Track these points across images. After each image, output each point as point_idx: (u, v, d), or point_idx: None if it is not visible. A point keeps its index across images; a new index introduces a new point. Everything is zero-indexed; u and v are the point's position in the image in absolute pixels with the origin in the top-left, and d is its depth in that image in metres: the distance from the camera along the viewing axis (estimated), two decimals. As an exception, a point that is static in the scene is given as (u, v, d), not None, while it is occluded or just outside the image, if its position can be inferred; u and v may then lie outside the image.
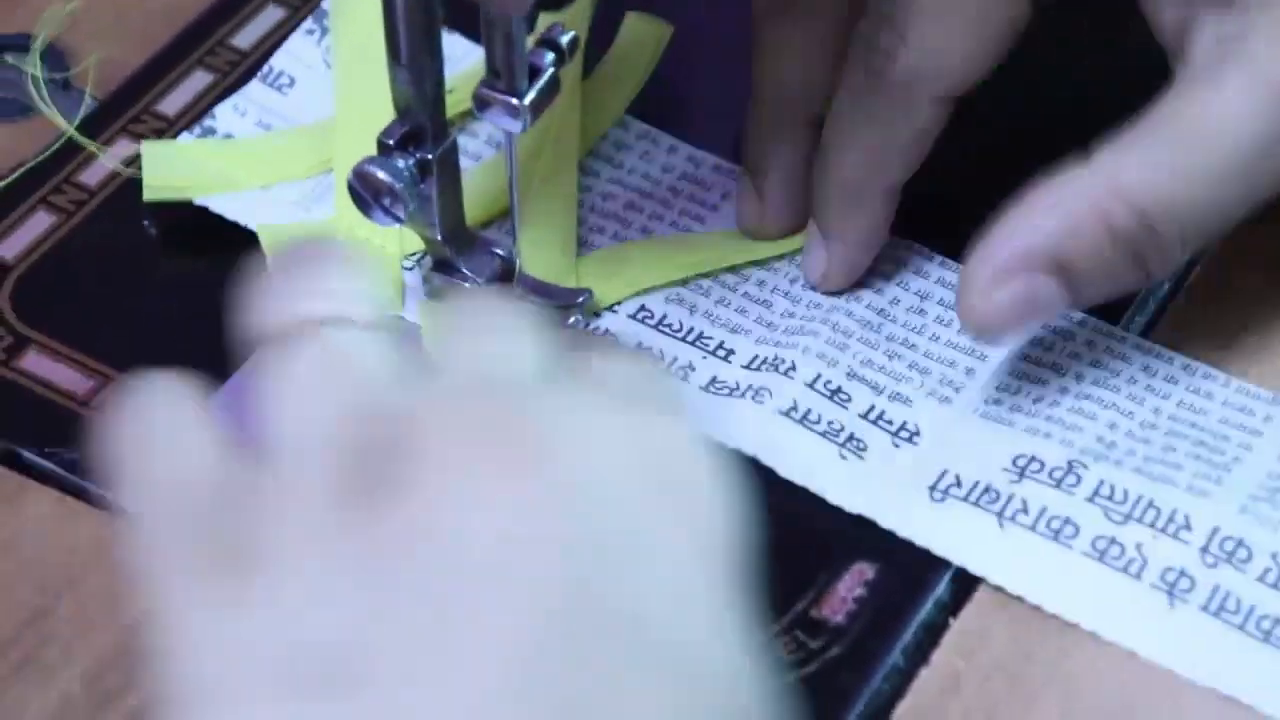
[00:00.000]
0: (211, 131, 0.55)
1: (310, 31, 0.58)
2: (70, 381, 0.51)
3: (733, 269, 0.53)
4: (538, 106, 0.48)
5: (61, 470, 0.49)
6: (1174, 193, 0.47)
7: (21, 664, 0.46)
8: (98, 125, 0.56)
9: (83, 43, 0.58)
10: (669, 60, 0.57)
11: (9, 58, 0.58)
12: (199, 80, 0.58)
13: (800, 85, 0.51)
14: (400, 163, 0.49)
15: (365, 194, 0.49)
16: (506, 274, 0.52)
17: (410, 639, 0.32)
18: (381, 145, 0.49)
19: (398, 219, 0.50)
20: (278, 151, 0.55)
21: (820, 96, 0.51)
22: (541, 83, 0.48)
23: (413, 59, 0.48)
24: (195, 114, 0.56)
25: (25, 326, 0.52)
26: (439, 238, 0.51)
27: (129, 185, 0.55)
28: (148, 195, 0.54)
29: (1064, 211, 0.47)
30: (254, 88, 0.56)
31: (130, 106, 0.57)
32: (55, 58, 0.58)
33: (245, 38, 0.58)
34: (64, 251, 0.53)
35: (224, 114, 0.56)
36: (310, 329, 0.36)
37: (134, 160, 0.55)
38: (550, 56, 0.49)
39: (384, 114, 0.52)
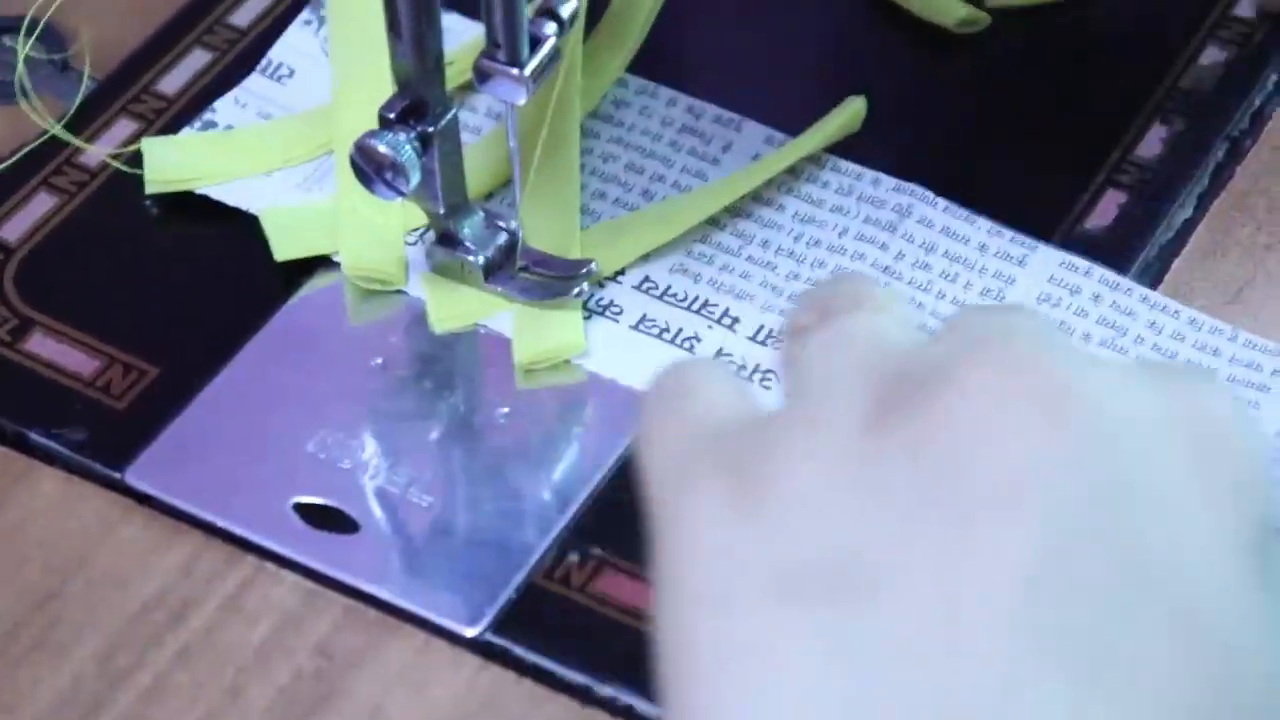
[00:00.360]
0: (212, 125, 0.55)
1: (308, 22, 0.57)
2: (75, 362, 0.51)
3: (736, 232, 0.52)
4: (539, 77, 0.48)
5: (69, 451, 0.49)
6: None
7: (33, 645, 0.46)
8: (97, 106, 0.56)
9: (79, 22, 0.58)
10: (663, 14, 0.56)
11: (6, 39, 0.58)
12: (198, 59, 0.57)
13: None
14: (402, 136, 0.49)
15: (367, 168, 0.49)
16: (510, 246, 0.52)
17: (915, 553, 0.32)
18: (383, 119, 0.49)
19: (400, 193, 0.49)
20: (278, 138, 0.55)
21: None
22: (543, 53, 0.48)
23: (413, 31, 0.48)
24: (194, 94, 0.56)
25: (29, 308, 0.52)
26: (441, 211, 0.51)
27: (129, 164, 0.54)
28: (150, 189, 0.53)
29: None
30: (254, 80, 0.56)
31: (129, 87, 0.57)
32: (52, 38, 0.58)
33: (243, 16, 0.58)
34: (66, 233, 0.53)
35: (224, 107, 0.56)
36: (846, 314, 0.37)
37: (122, 153, 0.54)
38: (551, 26, 0.48)
39: (383, 94, 0.52)
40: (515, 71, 0.48)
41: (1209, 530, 0.33)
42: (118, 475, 0.49)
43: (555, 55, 0.48)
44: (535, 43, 0.48)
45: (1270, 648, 0.33)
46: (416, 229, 0.53)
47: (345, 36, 0.56)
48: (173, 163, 0.54)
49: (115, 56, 0.57)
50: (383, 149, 0.49)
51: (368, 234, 0.52)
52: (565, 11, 0.49)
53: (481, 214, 0.52)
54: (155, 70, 0.57)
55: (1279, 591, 0.34)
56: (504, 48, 0.48)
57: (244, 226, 0.53)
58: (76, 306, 0.52)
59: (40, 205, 0.54)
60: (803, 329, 0.37)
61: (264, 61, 0.56)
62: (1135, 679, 0.31)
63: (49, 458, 0.49)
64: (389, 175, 0.49)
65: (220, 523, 0.48)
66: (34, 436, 0.49)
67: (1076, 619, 0.32)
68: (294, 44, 0.57)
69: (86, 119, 0.56)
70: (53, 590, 0.47)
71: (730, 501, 0.34)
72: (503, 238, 0.52)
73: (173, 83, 0.57)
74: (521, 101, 0.48)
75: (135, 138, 0.55)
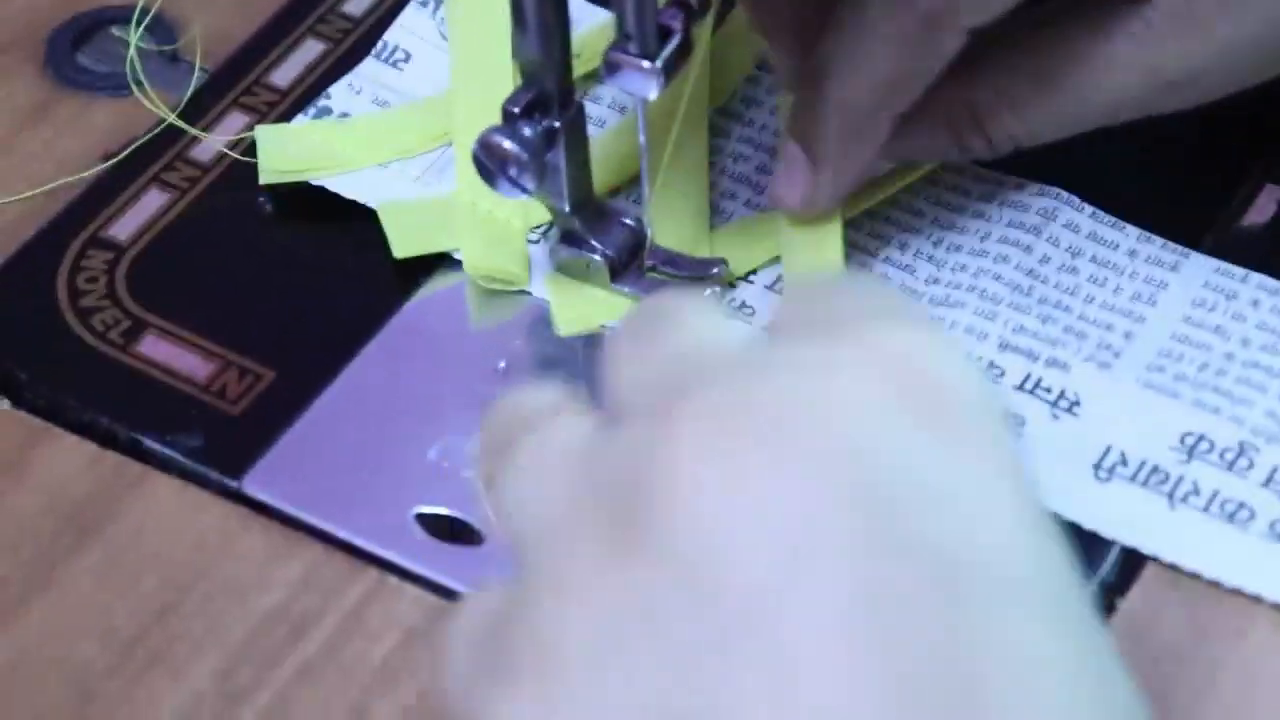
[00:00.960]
0: (327, 111, 0.53)
1: (424, 4, 0.56)
2: (189, 366, 0.49)
3: (874, 234, 0.50)
4: (670, 69, 0.46)
5: (184, 458, 0.47)
6: None
7: (151, 661, 0.44)
8: (208, 98, 0.54)
9: (191, 12, 0.56)
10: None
11: (115, 30, 0.56)
12: (310, 50, 0.56)
13: (904, 97, 0.47)
14: (527, 131, 0.47)
15: (490, 165, 0.47)
16: (636, 245, 0.50)
17: (735, 680, 0.30)
18: (506, 114, 0.47)
19: (525, 190, 0.48)
20: (394, 128, 0.53)
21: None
22: (673, 44, 0.46)
23: (539, 22, 0.46)
24: (307, 85, 0.55)
25: (142, 309, 0.50)
26: (567, 208, 0.49)
27: (242, 160, 0.53)
28: (264, 179, 0.52)
29: None
30: (368, 65, 0.54)
31: (241, 79, 0.55)
32: (163, 29, 0.56)
33: (356, 4, 0.57)
34: (178, 231, 0.52)
35: (339, 93, 0.54)
36: (522, 435, 0.36)
37: (237, 144, 0.53)
38: (681, 16, 0.46)
39: (503, 83, 0.50)
40: (646, 64, 0.46)
41: (977, 488, 0.32)
42: (234, 483, 0.47)
43: (687, 47, 0.46)
44: (666, 33, 0.46)
45: (1073, 574, 0.32)
46: (538, 226, 0.51)
47: (463, 20, 0.54)
48: (287, 152, 0.52)
49: (226, 47, 0.56)
50: (507, 145, 0.47)
51: (489, 231, 0.51)
52: (696, 1, 0.47)
53: (608, 211, 0.50)
54: (267, 62, 0.55)
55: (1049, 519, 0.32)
56: (635, 39, 0.46)
57: (361, 222, 0.51)
58: (190, 307, 0.50)
59: (152, 202, 0.52)
60: (492, 473, 0.36)
61: (379, 45, 0.55)
62: (988, 661, 0.30)
63: (164, 464, 0.48)
64: (513, 172, 0.47)
65: (340, 533, 0.46)
66: (149, 442, 0.48)
67: (922, 642, 0.30)
68: (410, 27, 0.55)
69: (197, 112, 0.54)
70: (170, 603, 0.45)
71: (523, 706, 0.32)
72: (630, 236, 0.50)
73: (285, 74, 0.55)
74: (653, 96, 0.46)
75: (247, 130, 0.53)
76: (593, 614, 0.32)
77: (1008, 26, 0.46)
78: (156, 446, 0.48)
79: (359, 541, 0.46)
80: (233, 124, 0.54)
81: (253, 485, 0.47)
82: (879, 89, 0.47)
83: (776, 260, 0.50)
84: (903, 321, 0.33)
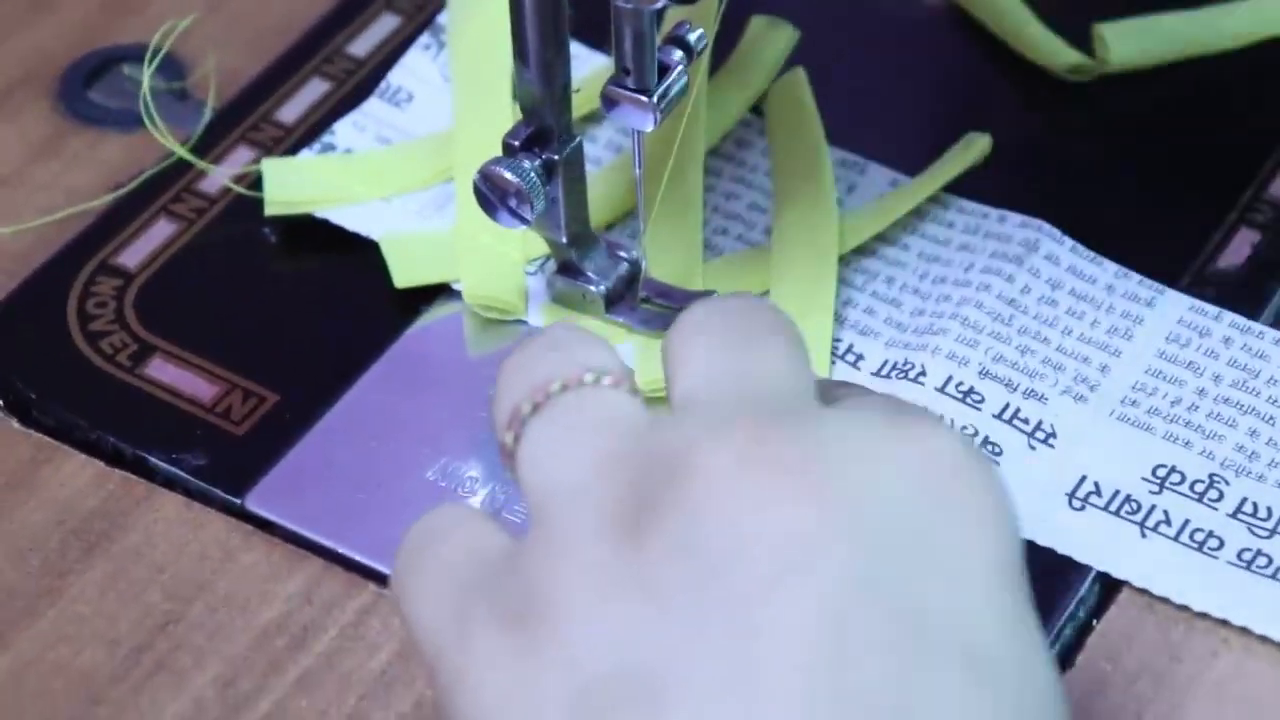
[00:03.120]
0: (331, 148, 0.55)
1: (427, 47, 0.57)
2: (194, 388, 0.50)
3: (860, 269, 0.52)
4: (667, 105, 0.48)
5: (189, 475, 0.49)
6: None
7: (154, 669, 0.45)
8: (216, 134, 0.56)
9: (200, 52, 0.58)
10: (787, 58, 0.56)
11: (126, 68, 0.58)
12: (316, 89, 0.57)
13: None
14: (527, 164, 0.49)
15: (491, 196, 0.49)
16: (631, 277, 0.51)
17: (699, 655, 0.32)
18: (507, 147, 0.49)
19: (524, 220, 0.49)
20: (397, 163, 0.55)
21: None
22: (670, 80, 0.48)
23: (540, 58, 0.48)
24: (313, 123, 0.56)
25: (149, 334, 0.52)
26: (564, 240, 0.51)
27: (247, 193, 0.54)
28: (269, 210, 0.53)
29: None
30: (372, 104, 0.56)
31: (248, 115, 0.57)
32: (173, 67, 0.58)
33: (361, 45, 0.58)
34: (186, 259, 0.53)
35: (343, 130, 0.55)
36: (559, 393, 0.36)
37: (243, 177, 0.54)
38: (679, 54, 0.48)
39: (503, 121, 0.52)
40: (644, 98, 0.47)
41: (970, 566, 0.34)
42: (237, 501, 0.48)
43: (683, 84, 0.48)
44: (663, 70, 0.48)
45: (1043, 659, 0.34)
46: (536, 259, 0.53)
47: (465, 62, 0.56)
48: (292, 184, 0.54)
49: (234, 85, 0.57)
50: (508, 176, 0.49)
51: (488, 263, 0.52)
52: (693, 39, 0.48)
53: (604, 244, 0.51)
54: (274, 99, 0.57)
55: (1030, 603, 0.35)
56: (633, 74, 0.47)
57: (363, 253, 0.53)
58: (196, 332, 0.52)
59: (160, 232, 0.54)
60: (518, 416, 0.36)
61: (383, 85, 0.56)
62: None
63: (169, 482, 0.49)
64: (513, 203, 0.49)
65: (340, 549, 0.47)
66: (154, 460, 0.49)
67: (871, 682, 0.32)
68: (413, 68, 0.57)
69: (205, 147, 0.56)
70: (174, 614, 0.46)
71: (508, 645, 0.34)
72: (624, 268, 0.51)
73: (291, 111, 0.57)
74: (650, 129, 0.48)
75: (253, 165, 0.55)
76: (592, 580, 0.33)
77: None
78: (162, 465, 0.49)
79: (358, 557, 0.47)
80: (239, 158, 0.55)
81: (255, 503, 0.48)
82: None
83: (766, 294, 0.52)
84: (944, 426, 0.36)
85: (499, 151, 0.49)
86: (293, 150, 0.55)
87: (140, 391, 0.50)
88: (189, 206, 0.54)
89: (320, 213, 0.54)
